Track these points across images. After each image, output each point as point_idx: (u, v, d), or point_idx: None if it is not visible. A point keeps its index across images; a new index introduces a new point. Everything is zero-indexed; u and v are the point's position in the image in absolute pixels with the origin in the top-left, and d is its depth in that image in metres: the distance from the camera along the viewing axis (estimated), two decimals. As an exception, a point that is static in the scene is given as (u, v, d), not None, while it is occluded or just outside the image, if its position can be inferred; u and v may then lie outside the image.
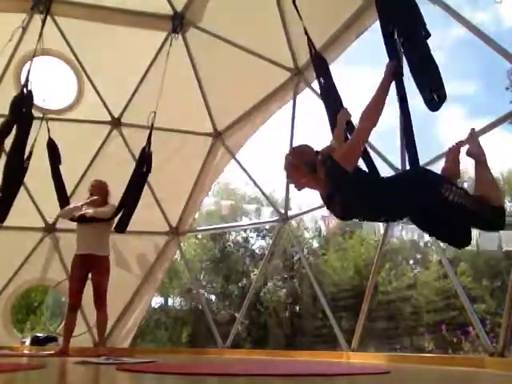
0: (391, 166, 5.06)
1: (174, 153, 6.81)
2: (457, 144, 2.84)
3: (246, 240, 21.75)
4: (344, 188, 2.53)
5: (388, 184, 2.65)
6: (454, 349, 14.80)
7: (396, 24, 2.65)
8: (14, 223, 5.19)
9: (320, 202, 2.93)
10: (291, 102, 6.46)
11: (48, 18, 5.49)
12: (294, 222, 7.43)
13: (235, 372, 2.82)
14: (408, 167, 2.78)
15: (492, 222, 2.57)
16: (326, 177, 2.55)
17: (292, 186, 2.87)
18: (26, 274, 6.88)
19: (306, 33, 3.85)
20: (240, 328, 14.70)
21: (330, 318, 6.03)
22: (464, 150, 2.77)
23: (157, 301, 20.55)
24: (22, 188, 5.12)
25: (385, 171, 5.00)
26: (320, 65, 3.76)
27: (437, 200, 2.47)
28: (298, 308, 20.30)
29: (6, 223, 6.03)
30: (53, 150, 5.44)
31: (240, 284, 20.42)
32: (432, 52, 2.55)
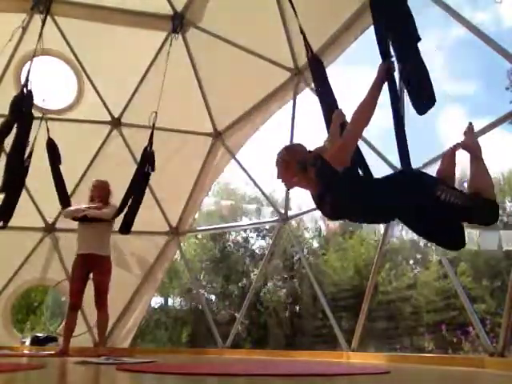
0: (391, 166, 5.06)
1: (174, 153, 6.81)
2: (453, 147, 2.84)
3: (246, 240, 21.75)
4: (334, 188, 2.51)
5: (380, 184, 2.63)
6: (454, 349, 14.80)
7: (388, 26, 2.66)
8: (14, 223, 5.18)
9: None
10: (291, 102, 6.47)
11: (48, 17, 5.49)
12: (294, 222, 7.43)
13: (235, 372, 2.82)
14: (407, 168, 2.77)
15: (486, 215, 2.55)
16: (316, 176, 2.53)
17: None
18: (25, 274, 6.88)
19: (302, 32, 3.85)
20: (240, 328, 14.69)
21: (330, 318, 6.03)
22: (461, 151, 2.76)
23: (157, 301, 20.55)
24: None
25: (385, 171, 5.00)
26: (316, 65, 3.76)
27: (429, 200, 2.45)
28: (298, 308, 20.30)
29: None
30: (52, 149, 5.44)
31: (240, 284, 20.42)
32: (422, 56, 2.56)
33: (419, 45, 2.57)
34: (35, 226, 6.82)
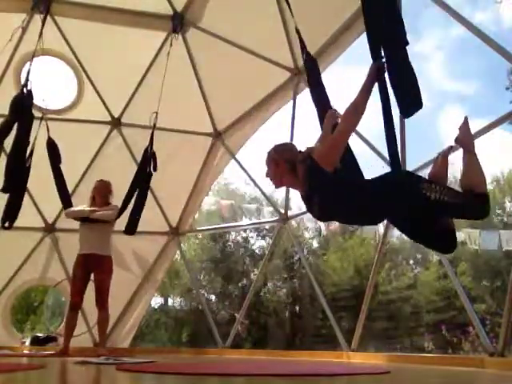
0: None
1: (174, 153, 6.80)
2: (445, 150, 2.84)
3: (246, 240, 21.77)
4: (322, 188, 2.49)
5: (369, 185, 2.60)
6: (454, 349, 14.82)
7: (379, 29, 2.68)
8: (14, 223, 5.20)
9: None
10: (291, 102, 6.46)
11: (48, 17, 5.49)
12: (294, 222, 7.43)
13: (235, 372, 2.82)
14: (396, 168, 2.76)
15: (477, 210, 2.54)
16: (304, 176, 2.52)
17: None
18: (25, 274, 6.88)
19: (298, 32, 3.85)
20: (240, 328, 14.69)
21: (330, 318, 6.03)
22: (458, 151, 2.76)
23: (157, 301, 20.58)
24: (21, 188, 5.12)
25: (385, 171, 4.99)
26: (311, 65, 3.77)
27: (418, 200, 2.43)
28: (297, 308, 20.31)
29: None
30: (53, 149, 5.44)
31: (240, 284, 20.44)
32: (410, 59, 2.57)
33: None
34: (35, 226, 6.82)
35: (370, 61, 2.65)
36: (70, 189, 5.84)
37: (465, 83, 34.79)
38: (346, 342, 5.29)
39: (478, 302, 16.54)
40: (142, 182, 5.55)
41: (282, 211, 6.66)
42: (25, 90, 4.75)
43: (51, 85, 6.88)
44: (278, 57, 6.17)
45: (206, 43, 6.24)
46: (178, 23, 6.16)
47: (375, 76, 2.57)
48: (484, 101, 31.31)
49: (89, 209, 5.19)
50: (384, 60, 2.59)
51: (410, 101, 2.55)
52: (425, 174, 3.71)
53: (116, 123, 6.89)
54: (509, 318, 3.77)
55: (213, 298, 20.72)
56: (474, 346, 13.91)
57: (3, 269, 6.78)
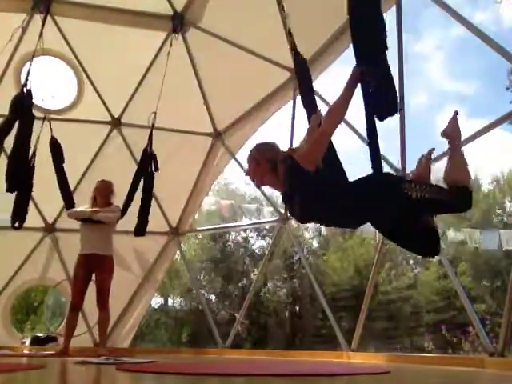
0: (391, 166, 5.06)
1: (173, 153, 6.80)
2: (427, 153, 2.84)
3: (246, 240, 21.78)
4: (303, 188, 2.47)
5: (351, 186, 2.58)
6: (454, 349, 14.83)
7: (362, 32, 2.71)
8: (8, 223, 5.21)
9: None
10: (291, 102, 6.46)
11: (48, 17, 5.49)
12: (293, 222, 7.41)
13: (235, 372, 2.82)
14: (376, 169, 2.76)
15: (460, 203, 2.51)
16: (285, 176, 2.50)
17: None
18: (25, 274, 6.87)
19: (289, 33, 3.86)
20: (240, 328, 14.69)
21: (330, 318, 6.03)
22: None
23: (157, 301, 20.59)
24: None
25: (385, 171, 4.99)
26: (301, 66, 3.78)
27: (400, 200, 2.42)
28: (297, 308, 20.32)
29: (5, 223, 6.04)
30: (56, 148, 5.44)
31: (240, 284, 20.45)
32: (389, 63, 2.62)
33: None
34: (35, 226, 6.81)
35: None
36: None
37: (465, 83, 34.83)
38: (346, 341, 5.29)
39: (478, 302, 16.56)
40: (144, 183, 5.57)
41: (282, 211, 6.65)
42: (24, 90, 4.76)
43: (51, 85, 6.88)
44: (277, 57, 6.16)
45: (206, 43, 6.24)
46: (178, 23, 6.16)
47: (358, 77, 2.58)
48: (484, 101, 31.35)
49: (91, 210, 5.18)
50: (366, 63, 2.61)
51: (387, 105, 2.59)
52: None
53: (116, 123, 6.89)
54: (509, 318, 3.77)
55: (213, 298, 20.73)
56: (473, 346, 13.92)
57: (3, 269, 6.78)
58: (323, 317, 16.44)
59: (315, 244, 22.57)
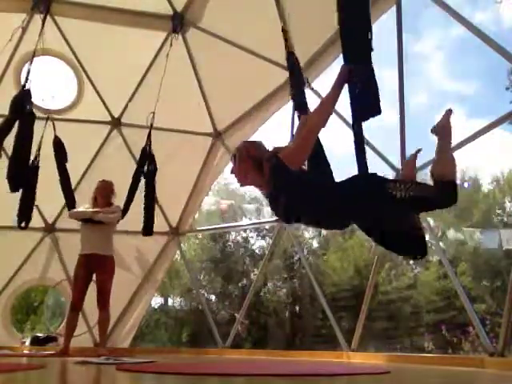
0: (391, 166, 5.06)
1: (173, 153, 6.80)
2: (414, 154, 2.85)
3: (246, 240, 21.76)
4: (287, 187, 2.45)
5: (336, 187, 2.56)
6: (454, 349, 14.83)
7: (350, 32, 2.72)
8: (14, 223, 5.20)
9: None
10: (291, 102, 6.45)
11: (48, 17, 5.49)
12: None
13: (235, 372, 2.82)
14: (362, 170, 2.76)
15: (445, 198, 2.49)
16: (269, 175, 2.47)
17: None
18: (25, 274, 6.87)
19: (284, 32, 3.86)
20: (240, 328, 14.69)
21: (330, 318, 6.03)
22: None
23: (157, 301, 20.58)
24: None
25: (385, 171, 5.01)
26: (293, 65, 3.80)
27: (385, 199, 2.40)
28: (297, 308, 20.31)
29: (5, 223, 6.06)
30: (59, 148, 5.44)
31: (240, 284, 20.44)
32: (373, 65, 2.63)
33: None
34: (35, 226, 6.80)
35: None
36: (70, 189, 5.83)
37: (465, 83, 34.82)
38: (346, 341, 5.29)
39: (478, 302, 16.55)
40: (146, 182, 5.57)
41: (282, 211, 6.65)
42: (24, 90, 4.76)
43: (51, 85, 6.88)
44: (277, 57, 6.15)
45: (206, 43, 6.24)
46: (178, 23, 6.16)
47: (346, 76, 2.57)
48: (484, 101, 31.34)
49: (92, 210, 5.18)
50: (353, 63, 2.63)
51: (370, 106, 2.60)
52: (425, 173, 3.71)
53: (116, 123, 6.88)
54: (509, 318, 3.78)
55: (213, 298, 20.72)
56: (473, 346, 13.93)
57: (3, 269, 6.78)
58: (323, 317, 16.44)
59: (315, 244, 22.57)
